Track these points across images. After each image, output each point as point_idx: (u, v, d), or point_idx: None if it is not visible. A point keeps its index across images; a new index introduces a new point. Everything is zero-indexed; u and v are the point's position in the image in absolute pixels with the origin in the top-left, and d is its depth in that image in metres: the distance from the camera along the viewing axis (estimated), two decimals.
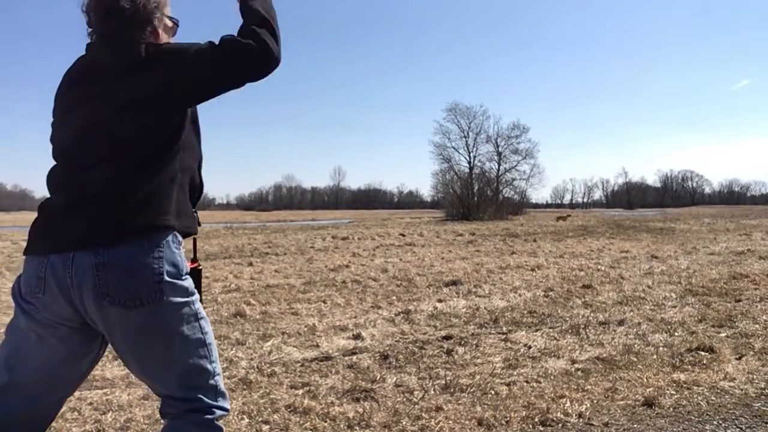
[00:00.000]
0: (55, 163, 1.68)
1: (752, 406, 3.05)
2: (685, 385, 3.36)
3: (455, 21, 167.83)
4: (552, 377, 3.58)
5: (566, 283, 7.59)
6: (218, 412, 1.67)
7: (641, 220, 31.73)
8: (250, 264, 10.49)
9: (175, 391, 1.63)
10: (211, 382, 1.67)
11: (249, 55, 1.57)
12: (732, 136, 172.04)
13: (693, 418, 2.92)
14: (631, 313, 5.48)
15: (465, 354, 4.14)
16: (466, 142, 49.88)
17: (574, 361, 3.91)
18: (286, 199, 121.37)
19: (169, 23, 1.80)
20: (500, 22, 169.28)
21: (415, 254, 12.28)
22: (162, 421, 1.69)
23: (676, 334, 4.65)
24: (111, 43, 1.67)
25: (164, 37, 1.78)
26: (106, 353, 4.33)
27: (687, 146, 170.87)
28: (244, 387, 3.41)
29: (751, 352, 4.04)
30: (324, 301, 6.42)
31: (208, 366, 1.67)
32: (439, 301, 6.39)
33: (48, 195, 1.67)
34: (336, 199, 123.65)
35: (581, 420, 2.89)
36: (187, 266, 1.67)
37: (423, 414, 2.96)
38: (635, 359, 3.92)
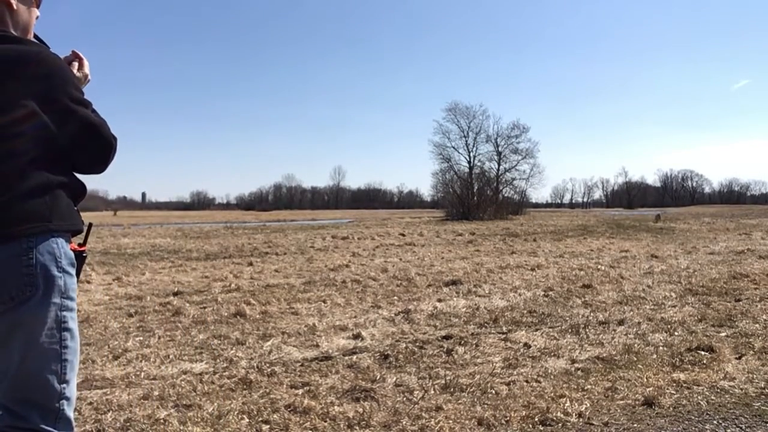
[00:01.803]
0: None
1: (752, 406, 3.05)
2: (685, 385, 3.36)
3: (455, 21, 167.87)
4: (552, 377, 3.58)
5: (566, 282, 7.59)
6: None
7: (641, 219, 31.73)
8: (250, 264, 10.49)
9: (9, 401, 1.49)
10: (55, 404, 1.51)
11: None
12: (732, 136, 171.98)
13: (693, 417, 2.92)
14: (631, 313, 5.48)
15: (465, 354, 4.14)
16: (466, 141, 49.83)
17: (574, 361, 3.91)
18: (286, 198, 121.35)
19: None
20: (500, 22, 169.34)
21: (415, 254, 12.28)
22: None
23: (676, 333, 4.65)
24: None
25: (21, 9, 1.60)
26: (106, 353, 4.34)
27: (687, 146, 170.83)
28: (244, 387, 3.41)
29: (751, 352, 4.04)
30: (324, 301, 6.42)
31: (56, 384, 1.51)
32: (439, 300, 6.39)
33: None
34: (336, 198, 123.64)
35: (581, 419, 2.89)
36: (70, 257, 1.57)
37: (423, 414, 2.96)
38: (635, 359, 3.92)
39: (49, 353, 1.50)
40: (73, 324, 1.56)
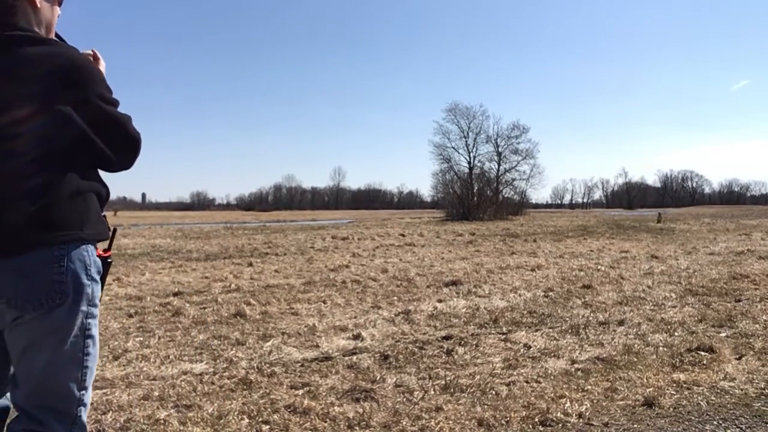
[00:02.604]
0: None
1: (752, 406, 3.05)
2: (685, 385, 3.36)
3: (455, 21, 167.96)
4: (552, 377, 3.58)
5: (566, 283, 7.59)
6: None
7: (641, 219, 31.73)
8: (250, 264, 10.49)
9: (28, 406, 1.52)
10: (73, 410, 1.54)
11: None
12: (732, 136, 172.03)
13: (693, 418, 2.92)
14: (631, 313, 5.48)
15: (465, 354, 4.14)
16: (466, 142, 49.86)
17: (574, 361, 3.91)
18: (286, 199, 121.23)
19: None
20: (500, 22, 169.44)
21: (415, 254, 12.28)
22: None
23: (676, 334, 4.65)
24: None
25: (44, 7, 1.60)
26: (106, 353, 4.34)
27: (687, 146, 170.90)
28: (244, 387, 3.41)
29: (751, 352, 4.04)
30: (324, 302, 6.42)
31: (75, 391, 1.54)
32: (439, 301, 6.39)
33: None
34: (336, 199, 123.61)
35: (581, 420, 2.89)
36: (98, 264, 1.58)
37: (423, 414, 2.96)
38: (635, 359, 3.92)
39: (73, 360, 1.53)
40: (96, 331, 1.59)
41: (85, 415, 1.58)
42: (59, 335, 1.50)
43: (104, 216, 1.66)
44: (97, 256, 1.61)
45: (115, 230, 1.83)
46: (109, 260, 1.69)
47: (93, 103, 1.52)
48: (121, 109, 1.62)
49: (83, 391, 1.56)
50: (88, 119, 1.51)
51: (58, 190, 1.47)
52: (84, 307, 1.52)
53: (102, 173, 1.70)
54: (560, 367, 3.78)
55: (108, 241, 1.75)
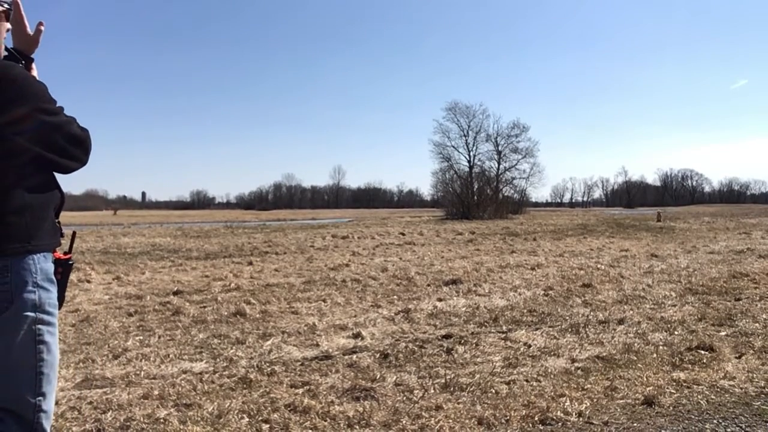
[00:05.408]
0: None
1: (752, 405, 3.05)
2: (684, 384, 3.36)
3: (455, 21, 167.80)
4: (552, 376, 3.58)
5: (566, 282, 7.59)
6: None
7: (641, 218, 31.74)
8: (250, 263, 10.49)
9: None
10: (30, 416, 1.54)
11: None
12: (731, 135, 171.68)
13: (693, 416, 2.92)
14: (631, 312, 5.48)
15: (465, 353, 4.14)
16: (466, 141, 49.85)
17: (573, 360, 3.91)
18: (286, 198, 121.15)
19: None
20: (500, 22, 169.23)
21: (415, 253, 12.29)
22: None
23: (675, 332, 4.65)
24: None
25: None
26: (106, 353, 4.34)
27: (687, 145, 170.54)
28: (244, 386, 3.41)
29: (751, 351, 4.04)
30: (324, 300, 6.42)
31: (29, 397, 1.54)
32: (439, 300, 6.39)
33: None
34: (336, 198, 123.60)
35: (581, 419, 2.89)
36: (46, 271, 1.59)
37: (423, 413, 2.96)
38: (635, 358, 3.92)
39: (23, 366, 1.53)
40: (50, 338, 1.58)
41: (46, 422, 1.57)
42: (6, 341, 1.51)
43: (58, 222, 1.68)
44: (57, 258, 1.64)
45: (74, 233, 1.87)
46: (70, 262, 1.72)
47: (37, 119, 1.54)
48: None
49: (40, 398, 1.55)
50: (31, 134, 1.53)
51: (3, 206, 1.50)
52: (30, 313, 1.53)
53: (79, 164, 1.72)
54: (560, 366, 3.78)
55: (68, 245, 1.78)
